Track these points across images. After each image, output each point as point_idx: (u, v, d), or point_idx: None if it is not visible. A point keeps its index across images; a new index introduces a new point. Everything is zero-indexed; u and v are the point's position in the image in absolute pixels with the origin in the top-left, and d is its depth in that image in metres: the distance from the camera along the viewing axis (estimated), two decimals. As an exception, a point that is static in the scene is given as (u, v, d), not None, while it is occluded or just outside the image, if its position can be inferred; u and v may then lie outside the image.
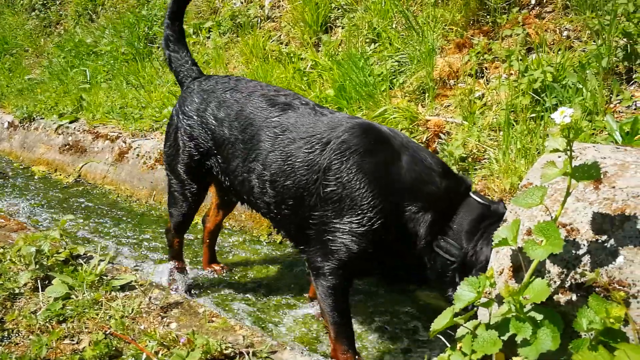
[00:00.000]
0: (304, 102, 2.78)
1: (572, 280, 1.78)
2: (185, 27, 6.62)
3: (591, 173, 1.72)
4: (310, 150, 2.54)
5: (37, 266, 2.90)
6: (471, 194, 2.39)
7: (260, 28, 5.97)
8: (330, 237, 2.44)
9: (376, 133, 2.50)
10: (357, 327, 2.92)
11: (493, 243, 1.84)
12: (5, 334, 2.50)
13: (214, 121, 2.93)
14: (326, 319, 2.54)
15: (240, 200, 3.02)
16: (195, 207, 3.20)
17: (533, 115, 3.54)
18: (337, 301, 2.49)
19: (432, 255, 2.35)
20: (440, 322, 1.88)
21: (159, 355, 2.26)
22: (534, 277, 1.77)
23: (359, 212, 2.36)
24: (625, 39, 3.48)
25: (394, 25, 4.78)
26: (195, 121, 3.00)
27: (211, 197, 3.58)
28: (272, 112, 2.75)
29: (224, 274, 3.57)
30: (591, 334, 1.62)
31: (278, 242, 4.01)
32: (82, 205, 5.05)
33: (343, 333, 2.51)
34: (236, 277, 3.55)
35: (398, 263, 2.49)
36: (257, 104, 2.82)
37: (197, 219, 4.47)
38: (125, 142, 5.55)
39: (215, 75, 3.25)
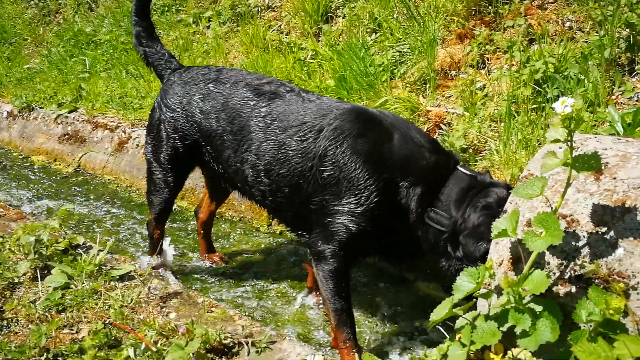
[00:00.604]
0: (289, 89, 2.82)
1: (572, 272, 1.78)
2: (184, 16, 6.62)
3: (591, 164, 1.71)
4: (303, 139, 2.59)
5: (37, 256, 2.90)
6: (458, 167, 2.48)
7: (260, 17, 5.94)
8: (330, 219, 2.50)
9: (367, 116, 2.58)
10: (356, 318, 2.92)
11: (492, 234, 1.84)
12: (5, 323, 2.50)
13: (199, 113, 2.95)
14: (327, 305, 2.56)
15: (233, 188, 3.05)
16: (175, 193, 3.26)
17: (534, 106, 3.52)
18: (338, 285, 2.52)
19: (424, 227, 2.44)
20: (439, 313, 1.88)
21: (158, 345, 2.26)
22: (533, 268, 1.77)
23: (356, 192, 2.43)
24: (628, 30, 3.46)
25: (395, 15, 4.75)
26: (179, 114, 3.02)
27: (203, 188, 3.58)
28: (259, 102, 2.78)
29: (223, 264, 3.57)
30: (590, 326, 1.62)
31: (278, 232, 4.01)
32: (82, 195, 5.05)
33: (344, 321, 2.52)
34: (235, 267, 3.55)
35: (395, 239, 2.56)
36: (243, 95, 2.84)
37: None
38: (124, 132, 5.54)
39: (194, 66, 3.25)
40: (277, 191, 2.70)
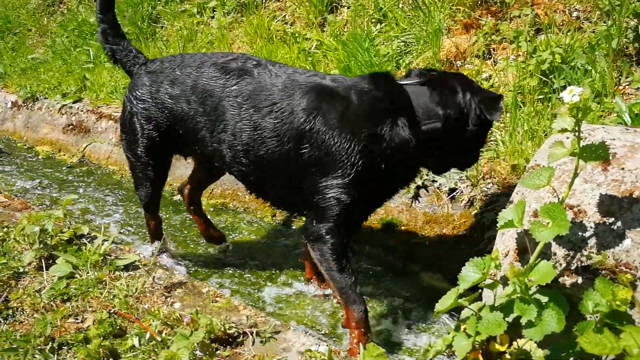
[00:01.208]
0: (255, 63, 2.85)
1: (578, 263, 1.77)
2: (188, 6, 6.59)
3: (599, 153, 1.70)
4: (276, 121, 2.64)
5: (41, 245, 2.91)
6: (403, 83, 2.59)
7: (264, 8, 5.90)
8: (320, 197, 2.55)
9: (327, 90, 2.64)
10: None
11: (498, 225, 1.83)
12: (10, 312, 2.51)
13: (169, 99, 2.96)
14: (333, 286, 2.57)
15: (213, 165, 3.10)
16: (160, 182, 3.28)
17: (541, 96, 3.50)
18: (339, 261, 2.55)
19: (423, 145, 2.51)
20: (444, 303, 1.87)
21: (163, 335, 2.27)
22: (539, 259, 1.76)
23: (340, 163, 2.50)
24: (635, 20, 3.42)
25: (400, 5, 4.71)
26: (150, 104, 3.03)
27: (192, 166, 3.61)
28: (228, 80, 2.80)
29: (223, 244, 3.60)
30: (597, 317, 1.62)
31: (282, 223, 4.01)
32: (86, 185, 5.05)
33: (353, 298, 2.53)
34: (240, 258, 3.55)
35: (390, 183, 2.68)
36: (210, 74, 2.86)
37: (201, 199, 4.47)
38: (129, 123, 5.53)
39: (159, 57, 3.24)
40: (257, 171, 2.76)
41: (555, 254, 1.81)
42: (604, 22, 3.60)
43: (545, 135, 3.21)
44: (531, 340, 1.71)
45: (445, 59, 4.15)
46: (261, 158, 2.69)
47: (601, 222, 1.75)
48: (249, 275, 3.32)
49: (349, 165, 2.49)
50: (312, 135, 2.55)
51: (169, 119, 2.99)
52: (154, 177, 3.20)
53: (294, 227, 3.92)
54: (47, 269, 2.79)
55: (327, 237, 2.54)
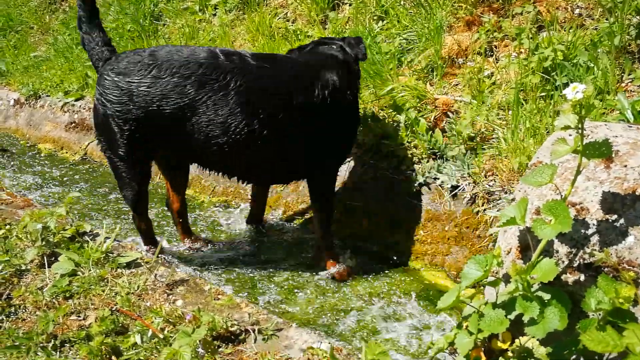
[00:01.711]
0: (226, 52, 3.01)
1: (581, 260, 1.77)
2: (190, 4, 6.59)
3: (602, 151, 1.69)
4: (285, 105, 2.97)
5: (44, 243, 2.91)
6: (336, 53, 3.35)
7: (266, 5, 5.90)
8: (331, 150, 3.22)
9: (320, 67, 3.16)
10: (361, 306, 2.92)
11: (500, 222, 1.83)
12: (12, 309, 2.51)
13: (150, 100, 2.90)
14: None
15: (194, 160, 3.21)
16: (146, 182, 3.24)
17: (543, 94, 3.49)
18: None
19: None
20: (447, 300, 1.87)
21: (165, 332, 2.27)
22: (542, 256, 1.76)
23: (349, 116, 3.28)
24: (638, 17, 3.41)
25: (402, 2, 4.71)
26: (125, 106, 2.93)
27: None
28: (213, 75, 2.89)
29: (206, 247, 3.60)
30: (599, 314, 1.61)
31: (284, 219, 4.01)
32: (88, 183, 5.06)
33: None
34: (242, 255, 3.56)
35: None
36: (196, 79, 2.89)
37: (203, 197, 4.47)
38: (131, 120, 5.53)
39: (124, 52, 3.12)
40: (248, 151, 2.98)
41: (557, 252, 1.81)
42: (607, 19, 3.59)
43: (548, 132, 3.20)
44: (533, 337, 1.70)
45: (447, 56, 4.14)
46: (269, 139, 2.96)
47: (604, 219, 1.75)
48: (252, 272, 3.32)
49: (355, 114, 3.29)
50: (333, 104, 3.05)
51: (151, 118, 2.93)
52: (140, 175, 3.15)
53: (295, 224, 3.92)
54: (49, 267, 2.79)
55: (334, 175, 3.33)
